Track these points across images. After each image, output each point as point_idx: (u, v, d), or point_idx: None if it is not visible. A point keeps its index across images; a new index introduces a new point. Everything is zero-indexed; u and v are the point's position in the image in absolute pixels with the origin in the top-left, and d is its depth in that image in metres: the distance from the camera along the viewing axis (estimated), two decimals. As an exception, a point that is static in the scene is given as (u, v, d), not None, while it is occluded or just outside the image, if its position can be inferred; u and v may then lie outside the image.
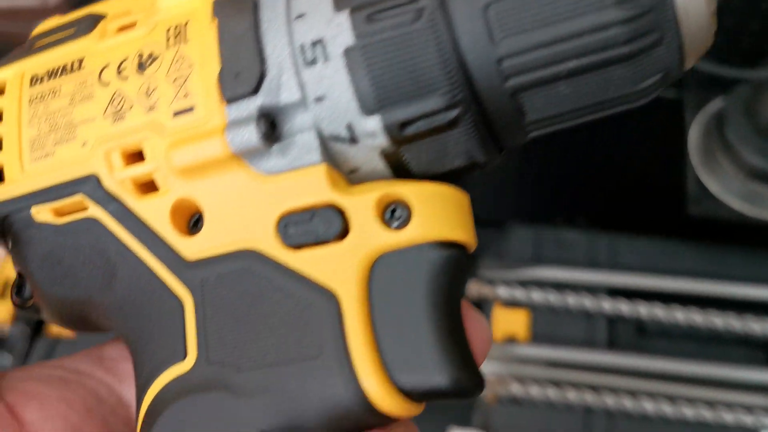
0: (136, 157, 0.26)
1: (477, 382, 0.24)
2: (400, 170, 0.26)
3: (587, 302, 0.68)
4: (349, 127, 0.25)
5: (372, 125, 0.24)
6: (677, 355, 0.66)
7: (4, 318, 0.73)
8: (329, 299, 0.24)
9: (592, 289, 0.69)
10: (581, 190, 0.74)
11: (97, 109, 0.27)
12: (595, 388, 0.65)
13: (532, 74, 0.23)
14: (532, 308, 0.69)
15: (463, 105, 0.24)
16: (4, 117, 0.28)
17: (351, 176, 0.26)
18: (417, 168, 0.26)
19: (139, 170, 0.26)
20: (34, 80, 0.28)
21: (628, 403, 0.63)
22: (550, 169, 0.72)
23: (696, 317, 0.66)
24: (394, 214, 0.25)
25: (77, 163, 0.27)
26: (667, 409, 0.63)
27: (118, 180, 0.26)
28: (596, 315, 0.69)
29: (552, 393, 0.64)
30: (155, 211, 0.26)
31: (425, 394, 0.23)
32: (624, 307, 0.67)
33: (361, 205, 0.24)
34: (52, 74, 0.28)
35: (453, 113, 0.24)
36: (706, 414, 0.62)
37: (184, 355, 0.25)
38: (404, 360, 0.23)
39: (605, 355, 0.67)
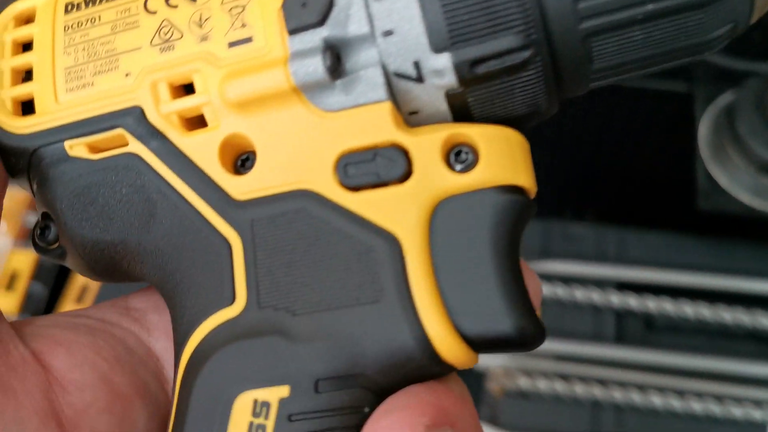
0: (185, 89, 0.25)
1: (540, 331, 0.23)
2: (461, 114, 0.25)
3: (595, 296, 0.68)
4: (417, 65, 0.24)
5: (441, 63, 0.23)
6: (685, 349, 0.66)
7: (11, 309, 0.73)
8: (391, 242, 0.23)
9: (600, 283, 0.69)
10: (590, 183, 0.74)
11: (142, 38, 0.26)
12: (603, 382, 0.65)
13: (608, 17, 0.23)
14: (541, 301, 0.69)
15: (537, 46, 0.23)
16: (35, 44, 0.27)
17: (409, 118, 0.25)
18: (480, 113, 0.25)
19: (188, 103, 0.25)
20: (69, 7, 0.27)
21: (636, 397, 0.63)
22: (559, 162, 0.72)
23: (704, 311, 0.66)
24: (459, 156, 0.24)
25: (119, 95, 0.26)
26: (675, 403, 0.63)
27: (164, 113, 0.25)
28: (604, 309, 0.68)
29: (560, 386, 0.64)
30: (202, 148, 0.25)
31: (488, 342, 0.23)
32: (632, 301, 0.67)
33: (426, 145, 0.24)
34: (89, 1, 0.27)
35: (526, 53, 0.23)
36: (715, 408, 0.62)
37: (233, 299, 0.24)
38: (468, 306, 0.23)
39: (613, 349, 0.67)
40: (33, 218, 0.74)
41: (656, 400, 0.63)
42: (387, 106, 0.24)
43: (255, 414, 0.23)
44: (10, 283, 0.75)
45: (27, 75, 0.27)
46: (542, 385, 0.64)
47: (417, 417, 0.22)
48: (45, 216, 0.27)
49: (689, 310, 0.66)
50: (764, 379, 0.64)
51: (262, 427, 0.23)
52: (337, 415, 0.22)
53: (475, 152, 0.24)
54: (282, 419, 0.22)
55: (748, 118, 0.63)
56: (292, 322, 0.23)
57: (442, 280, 0.23)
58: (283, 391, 0.23)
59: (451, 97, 0.24)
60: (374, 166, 0.24)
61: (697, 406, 0.62)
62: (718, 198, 0.65)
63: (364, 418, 0.23)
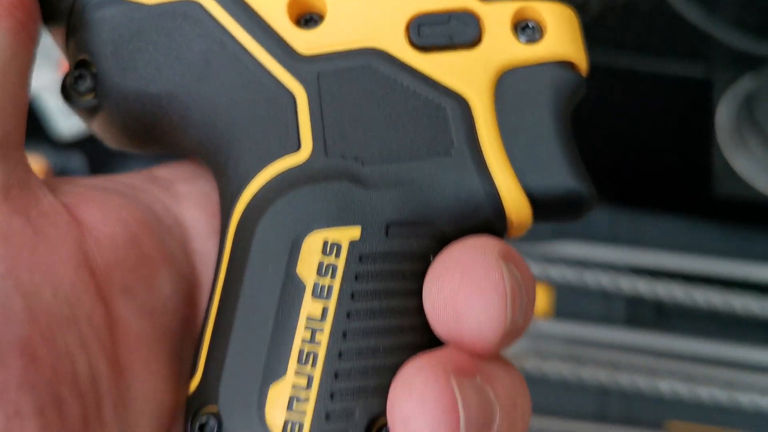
0: None
1: (594, 195, 0.25)
2: None
3: (607, 279, 0.68)
4: None
5: None
6: (695, 334, 0.66)
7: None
8: (460, 102, 0.24)
9: (612, 266, 0.69)
10: (605, 166, 0.74)
11: None
12: (611, 366, 0.65)
13: None
14: (552, 284, 0.69)
15: None
16: None
17: None
18: None
19: None
20: None
21: (642, 382, 0.63)
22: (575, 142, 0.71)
23: (715, 298, 0.66)
24: (525, 30, 0.25)
25: None
26: (682, 388, 0.63)
27: None
28: (615, 292, 0.68)
29: (567, 369, 0.64)
30: (269, 0, 0.25)
31: (550, 200, 0.24)
32: (644, 286, 0.67)
33: (498, 15, 0.25)
34: None
35: None
36: (721, 395, 0.62)
37: (298, 147, 0.24)
38: (533, 166, 0.24)
39: (623, 333, 0.67)
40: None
41: (663, 385, 0.63)
42: None
43: (325, 253, 0.23)
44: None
45: None
46: (552, 368, 0.64)
47: (491, 247, 0.23)
48: (81, 64, 0.26)
49: (699, 296, 0.66)
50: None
51: (333, 266, 0.23)
52: (405, 260, 0.23)
53: (541, 28, 0.25)
54: (353, 259, 0.23)
55: (768, 103, 0.63)
56: (361, 170, 0.24)
57: (508, 142, 0.24)
58: (355, 232, 0.23)
59: None
60: (448, 29, 0.25)
61: (704, 392, 0.62)
62: (735, 184, 0.64)
63: (428, 265, 0.23)
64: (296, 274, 0.23)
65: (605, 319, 0.68)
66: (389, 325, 0.23)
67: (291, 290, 0.23)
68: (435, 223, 0.23)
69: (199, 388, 0.24)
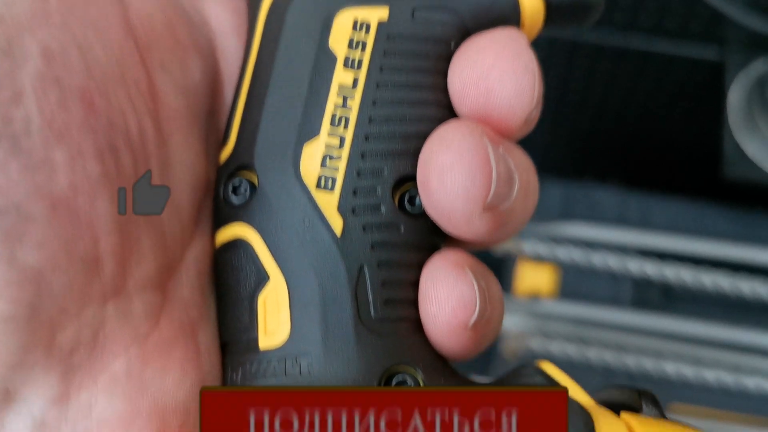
0: None
1: (602, 1, 0.27)
2: None
3: (614, 261, 0.68)
4: None
5: None
6: (702, 317, 0.66)
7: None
8: None
9: (620, 248, 0.68)
10: (615, 147, 0.73)
11: None
12: (617, 347, 0.65)
13: None
14: (558, 264, 0.69)
15: None
16: None
17: None
18: None
19: None
20: None
21: (648, 364, 0.63)
22: (584, 124, 0.71)
23: (722, 281, 0.66)
24: None
25: None
26: (688, 371, 0.63)
27: None
28: (623, 274, 0.68)
29: (573, 350, 0.64)
30: None
31: (560, 3, 0.26)
32: (651, 268, 0.67)
33: None
34: None
35: None
36: (728, 378, 0.62)
37: None
38: None
39: (630, 314, 0.67)
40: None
41: (669, 368, 0.63)
42: None
43: (356, 30, 0.25)
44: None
45: None
46: (555, 348, 0.64)
47: (520, 35, 0.25)
48: None
49: (707, 279, 0.66)
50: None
51: (363, 42, 0.25)
52: (429, 43, 0.25)
53: None
54: (381, 37, 0.25)
55: (780, 87, 0.62)
56: None
57: None
58: (383, 12, 0.25)
59: None
60: None
61: (710, 375, 0.62)
62: (745, 167, 0.64)
63: (449, 52, 0.25)
64: (329, 46, 0.25)
65: (612, 300, 0.68)
66: (415, 97, 0.25)
67: (323, 61, 0.25)
68: (456, 10, 0.25)
69: (232, 155, 0.25)
